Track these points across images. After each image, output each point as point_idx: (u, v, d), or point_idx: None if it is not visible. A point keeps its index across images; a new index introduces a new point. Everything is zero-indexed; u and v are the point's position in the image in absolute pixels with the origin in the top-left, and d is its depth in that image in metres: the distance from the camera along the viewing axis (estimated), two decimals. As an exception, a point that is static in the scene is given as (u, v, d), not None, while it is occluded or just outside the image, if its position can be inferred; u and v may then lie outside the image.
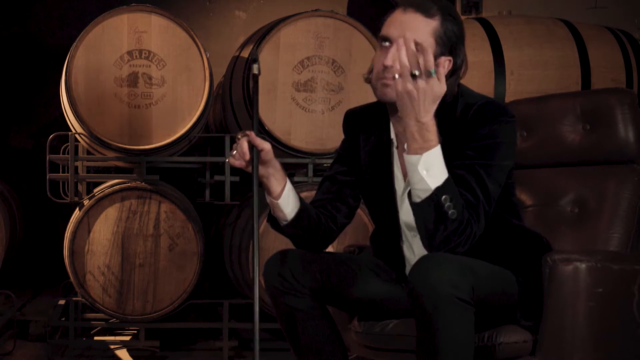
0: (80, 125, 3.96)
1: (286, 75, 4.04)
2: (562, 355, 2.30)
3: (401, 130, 2.37)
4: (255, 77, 2.40)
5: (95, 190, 4.33)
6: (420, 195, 2.19)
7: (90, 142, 4.10)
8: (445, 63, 2.30)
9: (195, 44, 3.98)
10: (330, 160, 2.64)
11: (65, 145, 4.27)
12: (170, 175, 4.57)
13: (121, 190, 4.04)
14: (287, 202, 2.41)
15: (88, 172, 4.60)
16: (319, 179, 3.99)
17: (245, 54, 4.18)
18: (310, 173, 4.12)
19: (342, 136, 2.59)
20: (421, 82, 2.18)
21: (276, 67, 4.03)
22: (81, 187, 4.38)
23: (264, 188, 2.40)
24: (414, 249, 2.43)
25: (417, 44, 2.27)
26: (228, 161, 2.38)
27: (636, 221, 2.65)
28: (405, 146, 2.23)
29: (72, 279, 4.06)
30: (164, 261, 4.06)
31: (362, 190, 2.53)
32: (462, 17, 5.36)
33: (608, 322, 2.35)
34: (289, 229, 2.45)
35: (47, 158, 4.18)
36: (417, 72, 2.18)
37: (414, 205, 2.22)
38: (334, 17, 4.07)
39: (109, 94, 3.95)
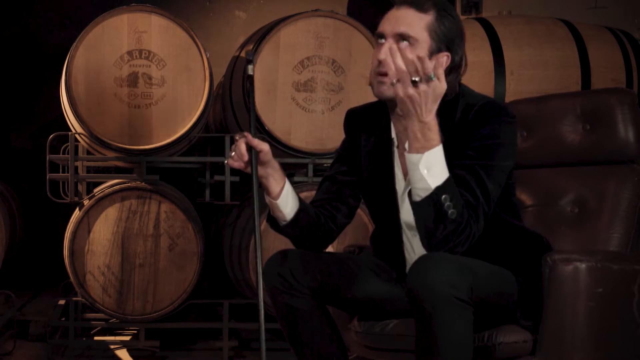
0: (80, 125, 3.96)
1: (286, 75, 4.04)
2: (562, 355, 2.30)
3: (402, 129, 2.38)
4: (251, 78, 2.40)
5: (95, 190, 4.33)
6: (421, 194, 2.19)
7: (90, 142, 4.10)
8: (443, 59, 2.31)
9: (195, 44, 3.98)
10: (330, 160, 2.64)
11: (65, 145, 4.27)
12: (170, 175, 4.57)
13: (121, 190, 4.04)
14: (286, 202, 2.41)
15: (88, 172, 4.60)
16: (319, 179, 3.99)
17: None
18: (310, 173, 4.12)
19: (342, 136, 2.59)
20: (422, 86, 2.18)
21: (276, 67, 4.03)
22: (81, 187, 4.38)
23: (262, 188, 2.40)
24: (414, 248, 2.43)
25: (410, 37, 2.28)
26: (227, 163, 2.38)
27: (636, 221, 2.65)
28: (407, 145, 2.23)
29: (72, 279, 4.06)
30: (164, 261, 4.06)
31: (363, 189, 2.53)
32: (462, 17, 5.37)
33: (608, 322, 2.35)
34: (289, 229, 2.45)
35: (47, 158, 4.18)
36: (417, 79, 2.19)
37: (414, 204, 2.22)
38: (334, 17, 4.07)
39: (109, 94, 3.95)
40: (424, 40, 2.29)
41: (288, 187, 2.41)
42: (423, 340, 2.15)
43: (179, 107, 3.99)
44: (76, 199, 4.19)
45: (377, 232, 2.58)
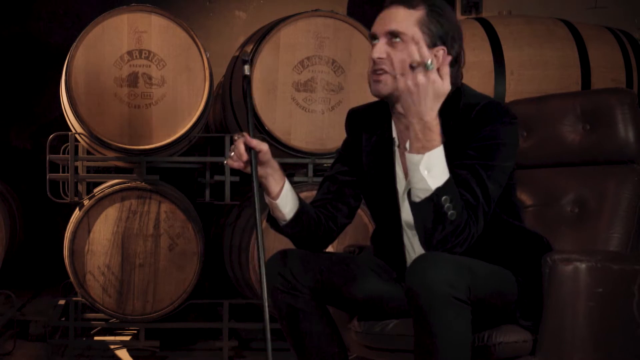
0: (80, 125, 3.96)
1: (286, 75, 4.04)
2: (562, 355, 2.30)
3: (403, 128, 2.38)
4: (247, 78, 2.41)
5: (95, 190, 4.33)
6: (420, 195, 2.19)
7: (90, 142, 4.10)
8: (439, 53, 2.31)
9: (195, 44, 3.98)
10: (330, 161, 2.64)
11: (65, 145, 4.27)
12: (170, 175, 4.57)
13: (121, 190, 4.04)
14: (286, 202, 2.41)
15: (88, 172, 4.60)
16: (319, 179, 3.99)
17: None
18: (310, 173, 4.12)
19: (342, 136, 2.59)
20: (421, 78, 2.19)
21: (276, 67, 4.03)
22: (81, 187, 4.38)
23: (262, 188, 2.40)
24: (414, 248, 2.43)
25: (401, 33, 2.30)
26: (226, 163, 2.38)
27: (636, 221, 2.65)
28: (408, 145, 2.23)
29: (72, 279, 4.06)
30: (164, 261, 4.06)
31: (364, 189, 2.53)
32: (462, 17, 5.37)
33: (608, 322, 2.35)
34: (288, 229, 2.45)
35: (47, 158, 4.18)
36: (414, 64, 2.19)
37: (413, 205, 2.22)
38: (334, 17, 4.07)
39: (109, 94, 3.95)
40: (416, 35, 2.30)
41: (288, 187, 2.41)
42: (421, 340, 2.15)
43: (179, 107, 3.99)
44: (76, 199, 4.19)
45: (378, 232, 2.58)
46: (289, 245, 2.51)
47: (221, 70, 4.66)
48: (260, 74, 4.01)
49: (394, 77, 2.31)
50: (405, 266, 2.45)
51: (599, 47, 4.37)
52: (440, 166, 2.19)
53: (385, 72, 2.32)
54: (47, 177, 4.15)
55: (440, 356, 2.12)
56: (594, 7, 5.49)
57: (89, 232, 4.02)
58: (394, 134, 2.44)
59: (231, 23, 6.13)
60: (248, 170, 2.34)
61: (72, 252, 4.01)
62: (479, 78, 4.24)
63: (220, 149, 4.32)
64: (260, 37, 4.07)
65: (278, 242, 3.52)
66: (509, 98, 4.18)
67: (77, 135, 4.12)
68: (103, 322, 4.37)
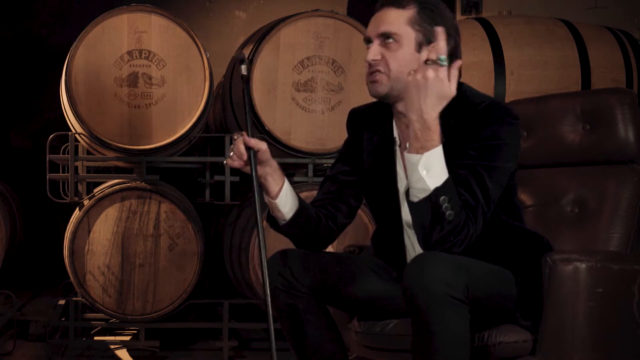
0: (80, 125, 3.96)
1: (286, 75, 4.04)
2: (562, 355, 2.30)
3: (404, 128, 2.39)
4: (244, 78, 2.41)
5: (95, 190, 4.33)
6: (419, 194, 2.19)
7: (90, 142, 4.10)
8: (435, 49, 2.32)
9: (195, 44, 3.98)
10: (331, 160, 2.65)
11: (65, 145, 4.27)
12: (170, 175, 4.57)
13: (121, 190, 4.04)
14: (285, 202, 2.41)
15: (88, 172, 4.60)
16: (319, 179, 4.00)
17: (245, 54, 4.18)
18: (310, 173, 4.12)
19: (342, 136, 2.59)
20: (430, 73, 2.19)
21: (276, 67, 4.03)
22: (81, 187, 4.38)
23: (261, 188, 2.40)
24: (415, 248, 2.43)
25: (392, 34, 2.31)
26: (226, 163, 2.39)
27: (636, 221, 2.65)
28: (407, 144, 2.23)
29: (72, 279, 4.06)
30: (164, 261, 4.06)
31: (365, 189, 2.53)
32: (462, 17, 5.37)
33: (608, 322, 2.35)
34: (288, 228, 2.45)
35: (47, 158, 4.18)
36: (429, 61, 2.22)
37: (411, 204, 2.22)
38: (334, 17, 4.07)
39: (109, 94, 3.95)
40: (408, 34, 2.32)
41: (287, 186, 2.41)
42: (419, 339, 2.15)
43: (179, 107, 3.99)
44: (76, 199, 4.19)
45: (379, 231, 2.58)
46: (289, 245, 2.51)
47: (221, 70, 4.66)
48: (260, 74, 4.01)
49: (389, 77, 2.33)
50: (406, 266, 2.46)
51: (599, 47, 4.37)
52: (439, 166, 2.19)
53: (381, 72, 2.34)
54: (47, 177, 4.15)
55: (438, 355, 2.12)
56: (594, 7, 5.50)
57: (89, 232, 4.02)
58: (395, 134, 2.45)
59: (231, 23, 6.13)
60: (247, 169, 2.35)
61: (72, 252, 4.02)
62: (479, 78, 4.24)
63: (220, 149, 4.32)
64: (260, 37, 4.07)
65: (278, 242, 3.52)
66: (509, 98, 4.18)
67: (77, 135, 4.12)
68: (103, 322, 4.37)
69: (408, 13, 2.33)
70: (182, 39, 3.98)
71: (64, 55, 4.00)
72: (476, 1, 5.60)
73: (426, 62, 2.25)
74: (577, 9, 5.43)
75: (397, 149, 2.44)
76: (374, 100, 2.46)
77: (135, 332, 4.45)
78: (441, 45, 2.24)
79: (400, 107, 2.39)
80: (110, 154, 4.13)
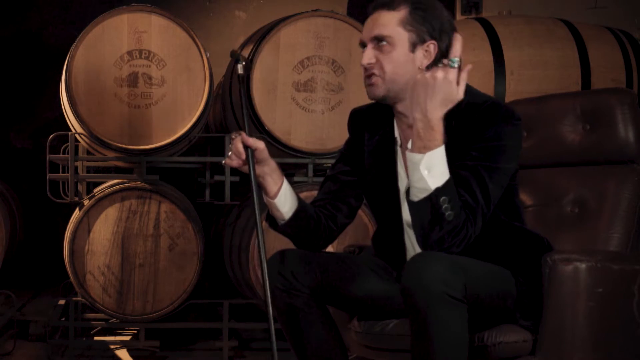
0: (80, 125, 3.96)
1: (286, 75, 4.04)
2: (562, 355, 2.30)
3: (405, 128, 2.39)
4: (240, 77, 2.41)
5: (95, 190, 4.33)
6: (419, 194, 2.20)
7: (90, 142, 4.10)
8: (430, 47, 2.33)
9: (195, 44, 3.98)
10: (331, 161, 2.65)
11: (65, 145, 4.27)
12: (170, 175, 4.57)
13: (121, 190, 4.04)
14: (284, 202, 2.41)
15: (88, 172, 4.60)
16: (319, 179, 4.00)
17: (245, 54, 4.19)
18: (310, 173, 4.12)
19: (342, 136, 2.60)
20: (440, 73, 2.20)
21: (276, 67, 4.03)
22: (81, 187, 4.38)
23: (260, 187, 2.41)
24: (415, 248, 2.43)
25: (385, 36, 2.33)
26: (224, 163, 2.39)
27: (636, 221, 2.65)
28: (409, 144, 2.24)
29: (72, 279, 4.06)
30: (164, 261, 4.06)
31: (365, 189, 2.53)
32: (462, 17, 5.37)
33: (608, 322, 2.35)
34: (287, 228, 2.45)
35: (47, 158, 4.18)
36: (443, 63, 2.24)
37: (411, 204, 2.22)
38: (334, 17, 4.07)
39: (109, 94, 3.95)
40: (400, 36, 2.33)
41: (286, 186, 2.42)
42: (418, 339, 2.15)
43: (179, 107, 3.99)
44: (76, 199, 4.19)
45: (379, 231, 2.58)
46: (289, 245, 2.51)
47: (221, 70, 4.66)
48: (260, 74, 4.02)
49: (385, 80, 2.34)
50: (406, 266, 2.46)
51: (599, 47, 4.37)
52: (441, 166, 2.19)
53: (376, 75, 2.35)
54: (47, 177, 4.15)
55: (436, 354, 2.12)
56: (594, 7, 5.50)
57: (89, 232, 4.02)
58: (396, 134, 2.45)
59: (231, 23, 6.13)
60: (245, 169, 2.35)
61: (72, 252, 4.02)
62: (479, 78, 4.24)
63: (220, 149, 4.32)
64: (260, 37, 4.07)
65: (278, 242, 3.52)
66: (509, 98, 4.18)
67: (77, 135, 4.12)
68: (103, 322, 4.37)
69: (400, 14, 2.33)
70: (182, 39, 3.98)
71: (64, 55, 4.00)
72: (476, 1, 5.60)
73: (438, 63, 2.26)
74: (577, 9, 5.43)
75: (398, 149, 2.44)
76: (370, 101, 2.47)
77: (135, 332, 4.45)
78: (457, 47, 2.25)
79: (400, 107, 2.39)
80: (110, 154, 4.13)
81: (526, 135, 2.89)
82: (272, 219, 2.47)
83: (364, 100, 2.57)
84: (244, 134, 2.35)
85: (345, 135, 2.60)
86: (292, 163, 4.10)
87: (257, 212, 2.33)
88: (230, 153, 2.36)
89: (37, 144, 5.90)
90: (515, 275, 2.34)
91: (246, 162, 2.34)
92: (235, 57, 2.42)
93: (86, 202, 4.07)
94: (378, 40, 2.34)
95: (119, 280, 4.04)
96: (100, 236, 4.03)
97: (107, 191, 4.04)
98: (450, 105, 2.21)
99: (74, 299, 4.28)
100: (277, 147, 4.01)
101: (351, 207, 2.54)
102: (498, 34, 4.36)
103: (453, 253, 2.21)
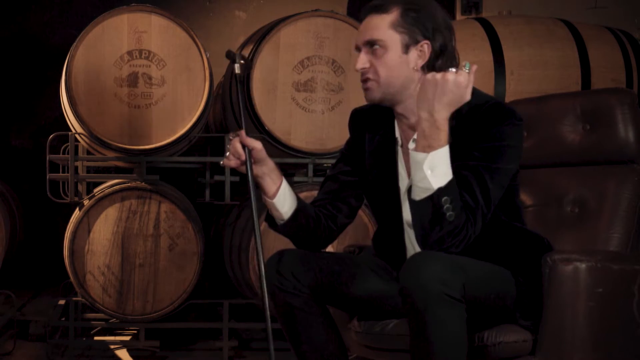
0: (80, 125, 3.96)
1: (286, 75, 4.04)
2: (562, 355, 2.30)
3: (406, 128, 2.40)
4: (237, 77, 2.42)
5: (95, 190, 4.33)
6: (421, 193, 2.20)
7: (90, 142, 4.10)
8: (424, 47, 2.33)
9: (195, 44, 3.98)
10: (331, 160, 2.65)
11: (65, 145, 4.27)
12: (170, 175, 4.57)
13: (121, 190, 4.04)
14: (283, 202, 2.41)
15: (88, 172, 4.60)
16: (319, 179, 4.00)
17: (245, 54, 4.19)
18: (310, 173, 4.12)
19: (342, 136, 2.60)
20: (450, 74, 2.20)
21: (276, 67, 4.03)
22: (81, 187, 4.38)
23: (259, 187, 2.41)
24: (416, 247, 2.42)
25: (377, 40, 2.34)
26: (222, 163, 2.39)
27: (636, 221, 2.65)
28: (410, 144, 2.24)
29: (72, 279, 4.06)
30: (164, 261, 4.06)
31: (366, 189, 2.53)
32: (462, 17, 5.37)
33: (608, 322, 2.35)
34: (286, 228, 2.45)
35: (47, 158, 4.17)
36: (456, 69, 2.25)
37: (413, 203, 2.22)
38: (334, 17, 4.07)
39: (109, 94, 3.95)
40: (392, 38, 2.33)
41: (285, 186, 2.42)
42: (416, 338, 2.15)
43: (178, 107, 3.99)
44: (76, 199, 4.19)
45: (380, 231, 2.58)
46: (289, 245, 2.51)
47: (221, 70, 4.66)
48: (260, 74, 4.01)
49: (380, 84, 2.35)
50: (406, 266, 2.46)
51: (599, 47, 4.37)
52: (444, 166, 2.20)
53: (371, 79, 2.36)
54: (47, 177, 4.15)
55: (435, 354, 2.12)
56: (594, 7, 5.50)
57: (89, 232, 4.02)
58: (397, 134, 2.45)
59: (231, 23, 6.13)
60: (244, 169, 2.36)
61: (72, 252, 4.01)
62: (479, 78, 4.20)
63: (220, 149, 4.31)
64: (260, 37, 4.07)
65: (278, 242, 3.53)
66: (509, 98, 4.18)
67: (77, 135, 4.12)
68: (103, 322, 4.37)
69: (390, 17, 2.34)
70: (182, 39, 3.98)
71: (64, 55, 4.00)
72: (476, 1, 5.60)
73: (434, 63, 2.29)
74: (577, 9, 5.43)
75: (399, 149, 2.44)
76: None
77: (135, 332, 4.45)
78: (471, 78, 2.26)
79: (399, 109, 2.40)
80: (110, 154, 4.13)
81: (526, 135, 2.89)
82: (271, 219, 2.48)
83: (364, 100, 2.56)
84: (243, 134, 2.35)
85: (345, 135, 2.60)
86: (292, 163, 4.10)
87: (254, 211, 2.33)
88: (228, 153, 2.37)
89: (37, 144, 5.90)
90: (515, 275, 2.34)
91: (244, 162, 2.35)
92: (231, 58, 2.42)
93: (86, 202, 4.07)
94: (370, 44, 2.36)
95: (119, 280, 4.04)
96: (100, 236, 4.03)
97: (107, 191, 4.04)
98: (457, 106, 2.22)
99: (74, 299, 4.28)
100: (277, 147, 4.01)
101: (351, 207, 2.54)
102: (498, 34, 4.36)
103: (452, 253, 2.21)
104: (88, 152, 4.38)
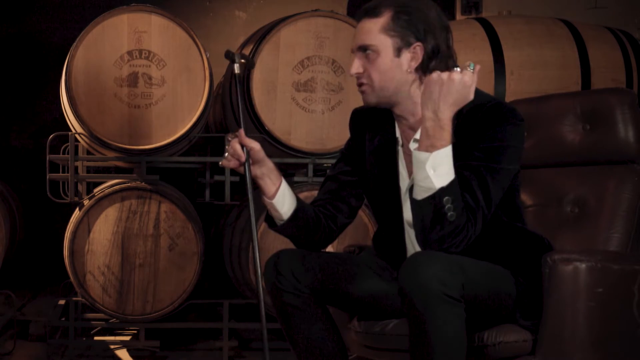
0: (80, 125, 3.96)
1: (286, 75, 4.04)
2: (562, 355, 2.30)
3: (406, 128, 2.40)
4: (237, 77, 2.42)
5: (95, 190, 4.33)
6: (423, 193, 2.20)
7: (90, 142, 4.10)
8: (417, 49, 2.33)
9: (195, 44, 3.98)
10: (331, 160, 2.65)
11: (65, 145, 4.27)
12: (170, 175, 4.57)
13: (121, 190, 4.04)
14: (283, 202, 2.41)
15: (88, 172, 4.60)
16: (319, 179, 4.00)
17: (246, 53, 4.18)
18: (310, 173, 4.12)
19: (342, 136, 2.60)
20: (456, 74, 2.21)
21: (276, 67, 4.03)
22: (81, 187, 4.38)
23: (258, 187, 2.41)
24: (416, 247, 2.42)
25: (369, 45, 2.36)
26: (221, 164, 2.40)
27: (636, 221, 2.65)
28: (411, 144, 2.24)
29: (72, 279, 4.06)
30: (164, 261, 4.06)
31: (366, 189, 2.53)
32: (462, 17, 5.37)
33: (608, 322, 2.35)
34: (286, 228, 2.46)
35: (47, 158, 4.17)
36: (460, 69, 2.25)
37: (414, 202, 2.22)
38: (334, 17, 4.07)
39: (109, 94, 3.95)
40: (383, 42, 2.34)
41: (284, 186, 2.42)
42: (415, 338, 2.15)
43: (179, 107, 3.99)
44: (76, 199, 4.19)
45: (380, 231, 2.58)
46: (289, 245, 2.52)
47: (221, 70, 4.66)
48: (260, 74, 4.02)
49: (374, 88, 2.36)
50: (406, 266, 2.46)
51: (599, 47, 4.37)
52: (447, 166, 2.20)
53: (365, 84, 2.38)
54: (47, 177, 4.15)
55: (434, 354, 2.12)
56: (594, 7, 5.50)
57: (89, 232, 4.02)
58: (398, 134, 2.45)
59: (231, 23, 6.13)
60: (242, 170, 2.36)
61: (72, 252, 4.01)
62: (479, 78, 4.23)
63: (220, 149, 4.31)
64: (260, 37, 4.07)
65: (278, 242, 3.53)
66: (509, 98, 4.18)
67: (77, 135, 4.12)
68: (103, 322, 4.37)
69: (382, 21, 2.35)
70: (182, 39, 3.97)
71: (64, 55, 4.00)
72: (476, 1, 5.60)
73: (428, 64, 2.29)
74: (577, 9, 5.43)
75: (400, 149, 2.45)
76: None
77: (135, 332, 4.45)
78: (474, 79, 2.27)
79: (397, 111, 2.41)
80: (110, 154, 4.13)
81: (526, 135, 2.88)
82: (271, 219, 2.48)
83: (363, 100, 2.57)
84: (242, 134, 2.35)
85: (345, 135, 2.60)
86: (292, 163, 4.10)
87: (251, 211, 2.33)
88: (227, 154, 2.37)
89: (37, 144, 5.89)
90: (515, 275, 2.34)
91: (242, 163, 2.35)
92: (230, 58, 2.42)
93: (86, 202, 4.07)
94: (363, 49, 2.37)
95: (119, 280, 4.04)
96: (100, 236, 4.03)
97: (107, 191, 4.04)
98: (461, 105, 2.23)
99: (74, 299, 4.28)
100: (277, 147, 4.01)
101: (351, 207, 2.54)
102: (498, 34, 4.36)
103: (452, 253, 2.21)
104: (88, 152, 4.38)
